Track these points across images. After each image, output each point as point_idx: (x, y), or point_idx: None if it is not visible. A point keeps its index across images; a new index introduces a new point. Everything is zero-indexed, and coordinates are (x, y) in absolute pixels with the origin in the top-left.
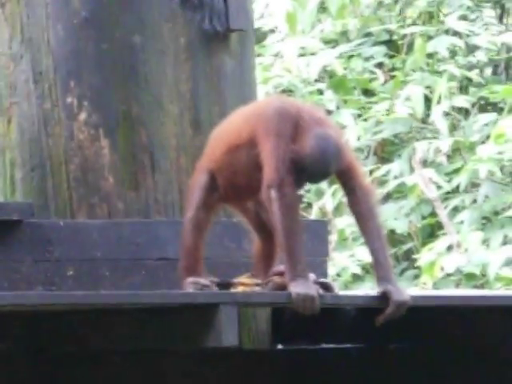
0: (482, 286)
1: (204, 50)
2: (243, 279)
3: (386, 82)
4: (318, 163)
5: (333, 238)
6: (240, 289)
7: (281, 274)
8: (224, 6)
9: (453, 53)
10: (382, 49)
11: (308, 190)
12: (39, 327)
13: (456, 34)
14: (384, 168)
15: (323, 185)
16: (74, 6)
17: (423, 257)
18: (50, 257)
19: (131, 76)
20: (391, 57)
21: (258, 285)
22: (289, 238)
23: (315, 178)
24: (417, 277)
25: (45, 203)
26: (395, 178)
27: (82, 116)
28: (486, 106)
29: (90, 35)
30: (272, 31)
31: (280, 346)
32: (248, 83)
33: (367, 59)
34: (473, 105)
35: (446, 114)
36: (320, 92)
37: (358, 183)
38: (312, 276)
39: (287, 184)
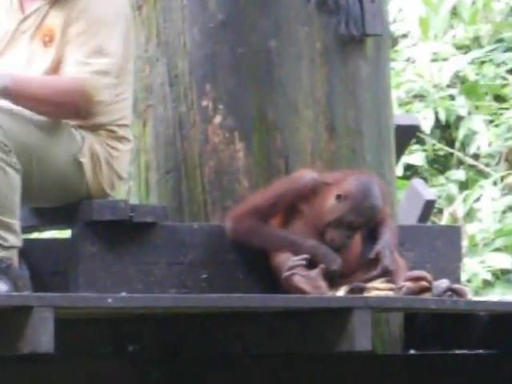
0: None
1: (340, 54)
2: (377, 284)
3: None
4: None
5: (463, 243)
6: (373, 293)
7: (415, 279)
8: (360, 10)
9: None
10: None
11: (439, 196)
12: (171, 330)
13: None
14: None
15: (453, 190)
16: (210, 10)
17: None
18: (184, 260)
19: (266, 80)
20: None
21: (391, 289)
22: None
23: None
24: None
25: (179, 206)
26: None
27: (217, 119)
28: None
29: (227, 39)
30: (404, 36)
31: (412, 351)
32: (383, 88)
33: (499, 65)
34: None
35: None
36: (452, 97)
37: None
38: (445, 281)
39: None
